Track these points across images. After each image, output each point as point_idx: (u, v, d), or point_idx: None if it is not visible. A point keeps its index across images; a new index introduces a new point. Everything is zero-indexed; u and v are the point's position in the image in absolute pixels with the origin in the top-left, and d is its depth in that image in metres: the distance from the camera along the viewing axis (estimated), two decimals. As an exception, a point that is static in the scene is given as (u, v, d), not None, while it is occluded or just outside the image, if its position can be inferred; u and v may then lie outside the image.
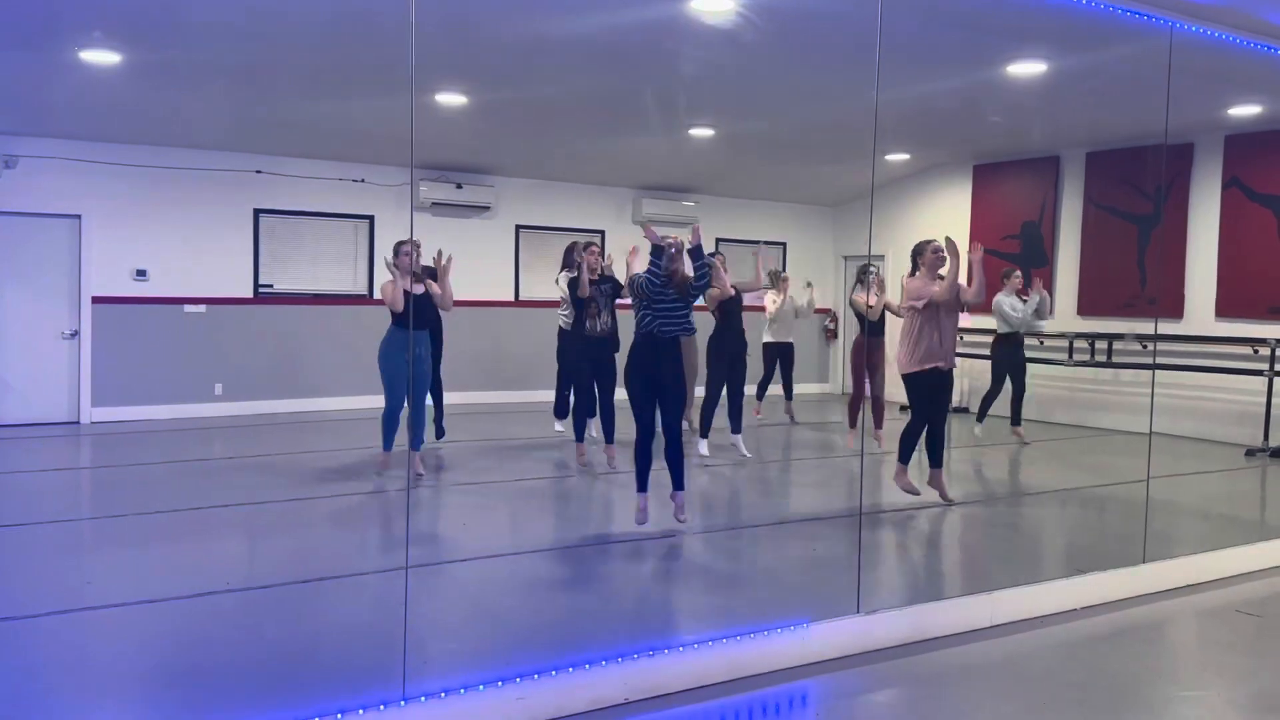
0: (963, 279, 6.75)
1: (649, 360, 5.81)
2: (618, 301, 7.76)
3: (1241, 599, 5.23)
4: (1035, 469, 8.96)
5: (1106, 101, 8.98)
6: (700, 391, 8.57)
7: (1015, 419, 9.81)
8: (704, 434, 8.38)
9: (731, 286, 8.27)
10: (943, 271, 6.77)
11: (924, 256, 6.80)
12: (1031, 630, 4.64)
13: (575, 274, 7.76)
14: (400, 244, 7.16)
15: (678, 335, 5.87)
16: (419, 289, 7.08)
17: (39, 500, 6.93)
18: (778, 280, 10.61)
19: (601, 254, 7.86)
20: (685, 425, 8.90)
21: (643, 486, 5.86)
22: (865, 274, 8.84)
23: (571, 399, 8.31)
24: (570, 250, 8.19)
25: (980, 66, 7.79)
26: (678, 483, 5.94)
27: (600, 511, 6.94)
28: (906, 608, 4.55)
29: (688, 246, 5.80)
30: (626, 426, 6.39)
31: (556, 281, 8.49)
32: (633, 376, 5.84)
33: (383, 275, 9.11)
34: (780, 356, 10.48)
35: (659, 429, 5.91)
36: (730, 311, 8.44)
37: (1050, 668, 4.23)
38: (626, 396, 5.90)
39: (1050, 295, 11.55)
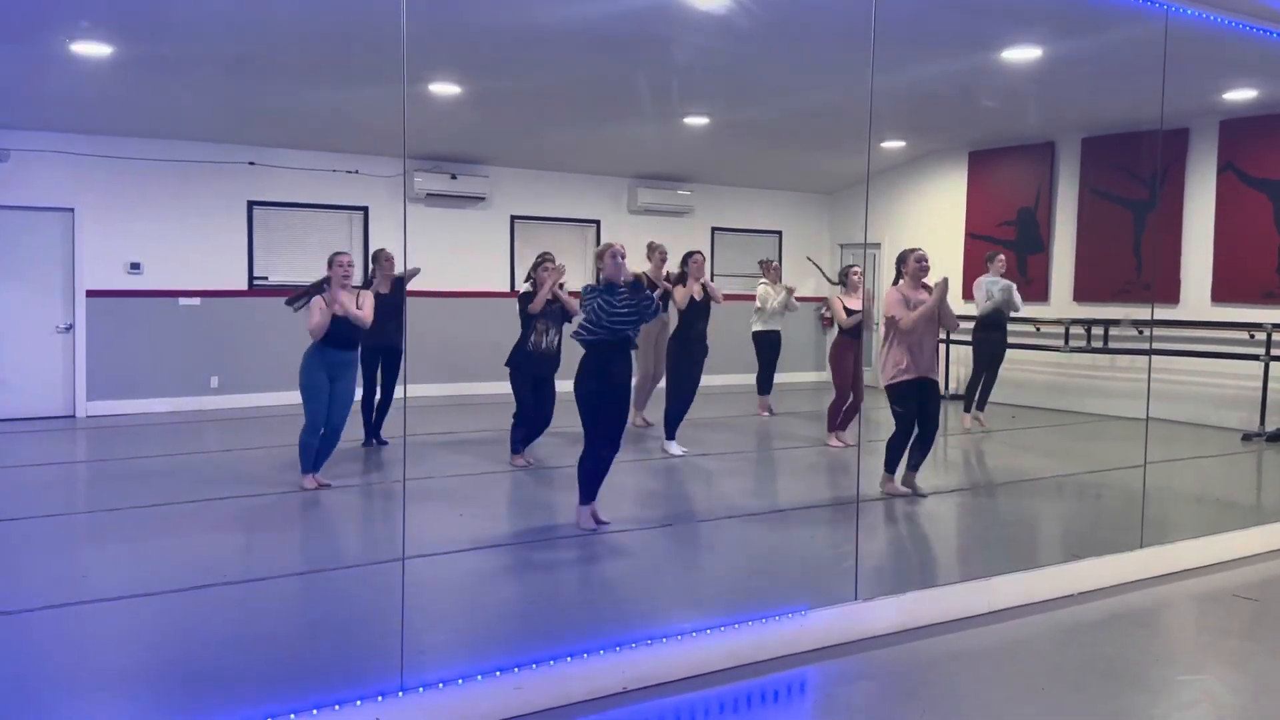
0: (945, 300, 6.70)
1: (601, 367, 5.71)
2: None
3: (1238, 583, 5.24)
4: (1032, 455, 8.96)
5: (1102, 87, 8.96)
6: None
7: (980, 404, 9.78)
8: (670, 435, 8.22)
9: (702, 286, 8.28)
10: (927, 280, 6.74)
11: (907, 265, 6.72)
12: (1029, 616, 4.65)
13: (531, 289, 7.53)
14: (337, 254, 6.80)
15: (629, 338, 5.81)
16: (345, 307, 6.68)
17: (35, 494, 6.91)
18: (769, 269, 10.58)
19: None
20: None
21: (587, 499, 5.84)
22: (846, 276, 8.80)
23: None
24: (535, 264, 7.93)
25: (975, 52, 7.77)
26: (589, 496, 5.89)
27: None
28: (904, 594, 4.55)
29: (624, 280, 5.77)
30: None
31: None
32: (585, 385, 5.73)
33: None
34: (770, 345, 10.49)
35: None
36: (697, 315, 8.28)
37: (1047, 653, 4.24)
38: (578, 410, 5.79)
39: (1046, 281, 11.59)
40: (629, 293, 5.75)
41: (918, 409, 6.65)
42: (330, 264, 6.79)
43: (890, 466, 6.77)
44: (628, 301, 5.73)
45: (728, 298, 8.71)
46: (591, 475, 5.81)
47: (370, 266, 8.40)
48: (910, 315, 6.52)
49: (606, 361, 5.73)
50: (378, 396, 8.46)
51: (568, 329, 6.67)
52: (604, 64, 8.11)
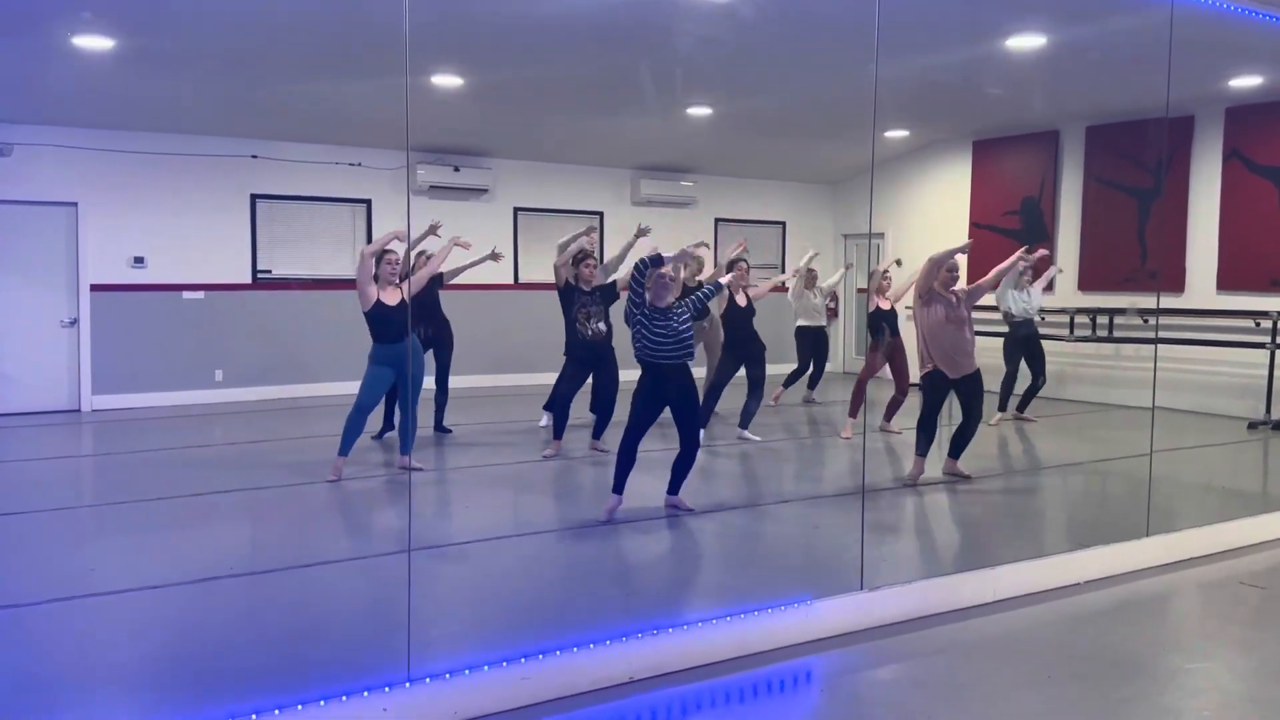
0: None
1: (660, 387, 5.71)
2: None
3: (1245, 571, 5.23)
4: (1038, 444, 8.95)
5: (1107, 74, 8.93)
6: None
7: (1021, 405, 9.76)
8: (702, 424, 8.27)
9: (744, 294, 8.33)
10: (956, 289, 6.75)
11: (938, 275, 6.74)
12: (1035, 605, 4.64)
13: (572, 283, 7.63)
14: (385, 253, 6.89)
15: (684, 362, 5.75)
16: (396, 298, 6.79)
17: (41, 488, 6.93)
18: (806, 278, 10.50)
19: (600, 257, 7.74)
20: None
21: (620, 488, 5.84)
22: (878, 285, 8.80)
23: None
24: (574, 259, 7.98)
25: (979, 40, 7.74)
26: (675, 488, 6.01)
27: (600, 493, 6.93)
28: (910, 584, 4.55)
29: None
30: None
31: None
32: (643, 402, 5.74)
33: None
34: (811, 342, 10.43)
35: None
36: (740, 324, 8.33)
37: (1053, 641, 4.23)
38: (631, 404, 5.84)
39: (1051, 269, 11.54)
40: (675, 313, 5.69)
41: (958, 398, 6.70)
42: (378, 262, 6.87)
43: (922, 449, 6.80)
44: (684, 319, 5.69)
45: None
46: (630, 464, 5.81)
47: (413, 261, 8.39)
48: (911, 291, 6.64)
49: (663, 380, 5.71)
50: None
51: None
52: (606, 55, 8.09)
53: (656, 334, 5.65)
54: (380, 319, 6.77)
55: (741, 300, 8.39)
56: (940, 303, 6.62)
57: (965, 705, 3.59)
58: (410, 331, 7.07)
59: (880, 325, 8.65)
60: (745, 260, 8.58)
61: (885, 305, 8.74)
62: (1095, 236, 11.31)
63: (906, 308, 8.05)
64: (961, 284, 6.89)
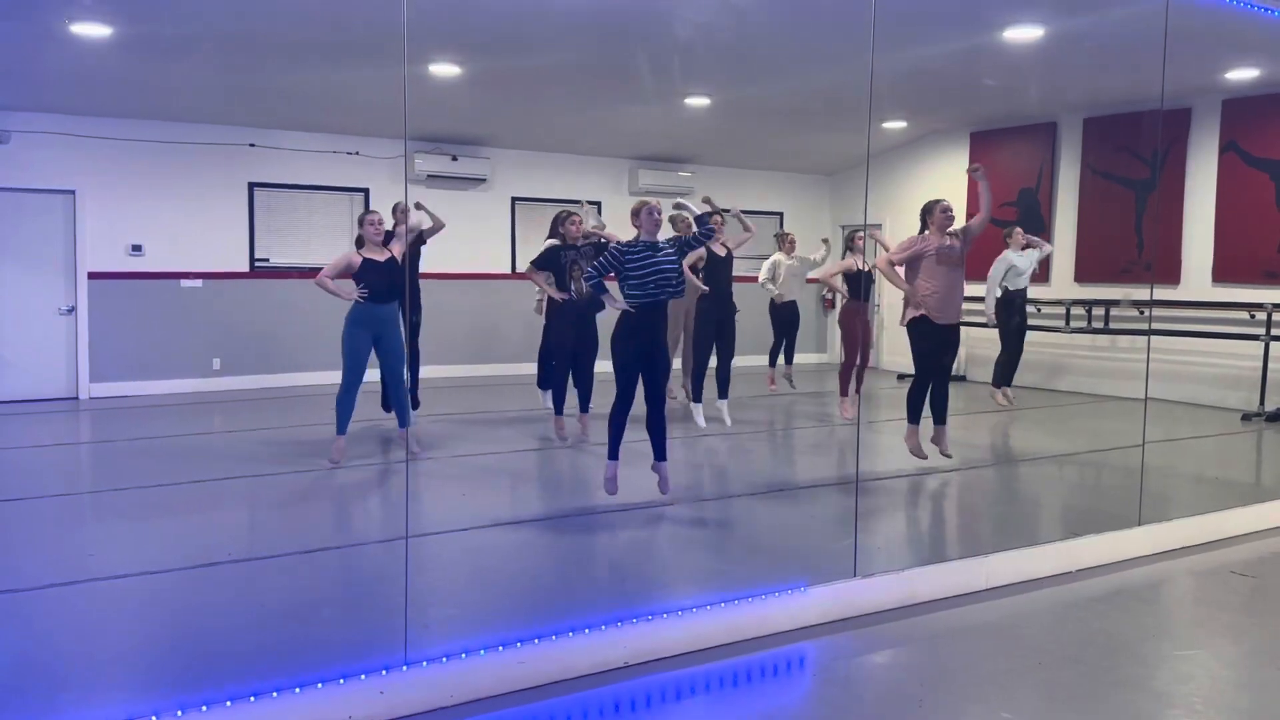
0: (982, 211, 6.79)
1: (642, 328, 5.62)
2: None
3: (1236, 560, 5.27)
4: (1032, 434, 8.98)
5: (1104, 66, 8.94)
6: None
7: (1005, 380, 9.75)
8: (697, 399, 8.25)
9: (723, 245, 8.29)
10: (952, 229, 6.77)
11: (933, 215, 6.76)
12: (1027, 593, 4.68)
13: (556, 243, 7.62)
14: (366, 213, 6.93)
15: (668, 299, 5.68)
16: (384, 255, 6.78)
17: (39, 475, 6.95)
18: (783, 242, 10.57)
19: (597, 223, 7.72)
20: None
21: (614, 454, 5.76)
22: (851, 242, 8.85)
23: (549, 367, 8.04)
24: (556, 220, 8.02)
25: (977, 31, 7.75)
26: (660, 453, 5.82)
27: (595, 480, 6.95)
28: (903, 571, 4.58)
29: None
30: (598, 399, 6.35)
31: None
32: (623, 344, 5.66)
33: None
34: (785, 318, 10.48)
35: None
36: (718, 276, 8.26)
37: (1045, 629, 4.27)
38: (612, 364, 5.76)
39: (1048, 261, 11.56)
40: (672, 247, 5.68)
41: (937, 355, 6.69)
42: (360, 223, 6.89)
43: (913, 417, 6.79)
44: (671, 256, 5.64)
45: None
46: (621, 430, 5.73)
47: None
48: (889, 260, 6.72)
49: (646, 322, 5.62)
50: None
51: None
52: (605, 44, 8.09)
53: (662, 265, 5.58)
54: (369, 276, 6.70)
55: (720, 250, 8.29)
56: (938, 245, 6.62)
57: (956, 690, 3.63)
58: (403, 291, 6.91)
59: (861, 285, 8.69)
60: (719, 217, 8.44)
61: (865, 267, 8.77)
62: (1092, 228, 11.33)
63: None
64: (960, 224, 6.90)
